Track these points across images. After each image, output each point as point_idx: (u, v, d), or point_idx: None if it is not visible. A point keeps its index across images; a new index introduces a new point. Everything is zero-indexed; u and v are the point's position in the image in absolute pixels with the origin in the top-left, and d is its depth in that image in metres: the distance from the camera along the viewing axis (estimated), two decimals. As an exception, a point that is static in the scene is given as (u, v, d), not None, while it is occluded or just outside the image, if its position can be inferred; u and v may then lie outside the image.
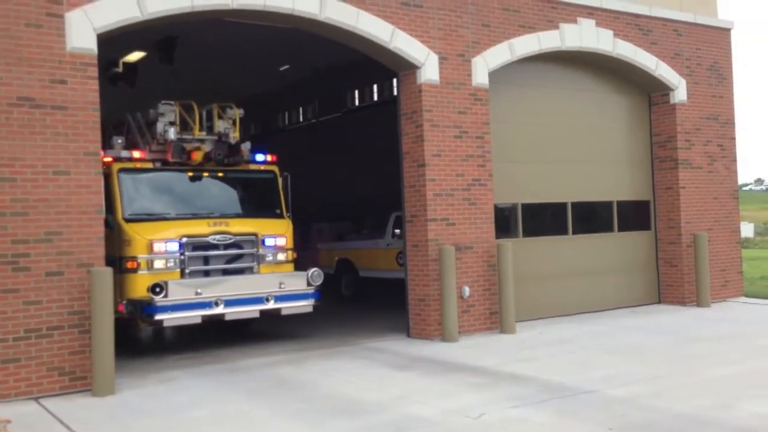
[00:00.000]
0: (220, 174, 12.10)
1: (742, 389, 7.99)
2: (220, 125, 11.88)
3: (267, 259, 11.72)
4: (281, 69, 18.45)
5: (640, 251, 15.09)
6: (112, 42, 9.48)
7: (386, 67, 12.12)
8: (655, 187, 15.26)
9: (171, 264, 10.89)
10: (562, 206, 14.03)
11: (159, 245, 10.84)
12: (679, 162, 14.87)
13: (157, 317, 10.22)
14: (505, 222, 13.17)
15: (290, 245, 12.04)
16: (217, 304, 10.54)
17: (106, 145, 11.74)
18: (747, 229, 44.27)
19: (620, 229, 14.84)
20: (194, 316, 10.46)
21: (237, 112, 12.09)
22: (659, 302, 15.15)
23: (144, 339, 11.86)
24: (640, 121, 15.24)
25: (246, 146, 12.17)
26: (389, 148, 13.22)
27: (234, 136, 11.89)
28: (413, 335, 11.87)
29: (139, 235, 10.82)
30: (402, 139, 12.01)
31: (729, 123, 15.72)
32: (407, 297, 11.99)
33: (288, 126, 24.76)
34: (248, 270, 11.53)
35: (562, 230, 14.02)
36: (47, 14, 8.68)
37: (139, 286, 10.57)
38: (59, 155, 8.69)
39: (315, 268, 11.58)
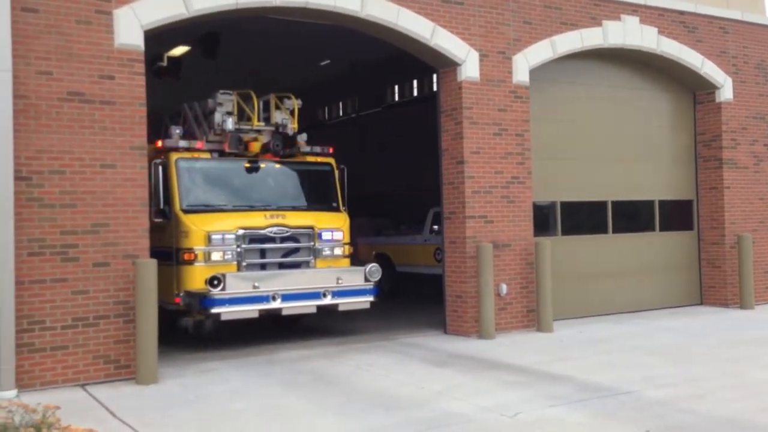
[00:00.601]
0: (277, 165, 11.94)
1: (787, 394, 7.88)
2: (277, 116, 11.75)
3: (324, 253, 11.55)
4: (322, 64, 18.59)
5: (682, 251, 14.90)
6: (157, 37, 9.66)
7: (426, 63, 12.15)
8: (698, 186, 15.04)
9: (228, 256, 10.80)
10: (603, 205, 13.91)
11: (217, 237, 10.74)
12: (723, 161, 14.64)
13: (214, 310, 10.11)
14: (543, 220, 13.11)
15: (347, 239, 11.85)
16: (274, 298, 10.39)
17: (164, 135, 11.89)
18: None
19: (662, 229, 14.67)
20: (251, 310, 10.34)
21: (296, 103, 11.92)
22: (701, 304, 14.95)
23: (185, 329, 12.05)
24: (684, 119, 15.03)
25: (302, 138, 11.99)
26: (429, 145, 13.26)
27: (292, 127, 11.76)
28: (450, 332, 11.91)
29: (196, 226, 10.73)
30: (441, 136, 12.03)
31: (776, 122, 15.42)
32: (444, 293, 12.03)
33: (327, 121, 24.92)
34: (304, 264, 11.41)
35: (602, 229, 13.91)
36: (96, 11, 8.89)
37: (196, 278, 10.54)
38: (106, 149, 8.91)
39: (373, 264, 11.34)
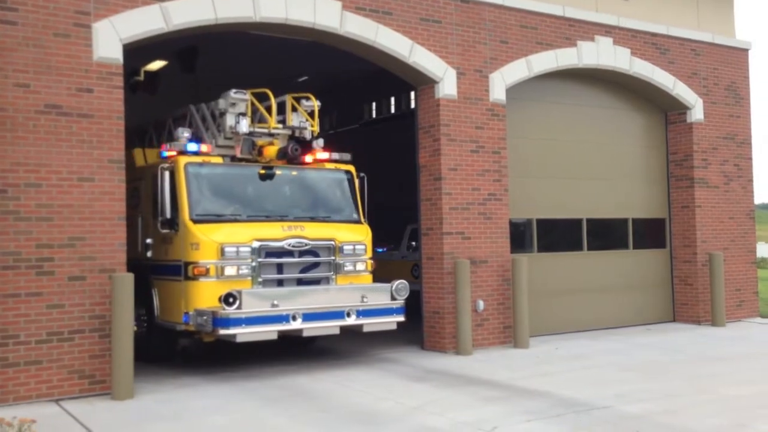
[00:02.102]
0: (294, 172, 10.97)
1: (758, 409, 8.01)
2: (294, 118, 10.93)
3: (345, 268, 10.63)
4: (299, 80, 18.65)
5: (655, 269, 15.10)
6: (134, 51, 9.65)
7: (404, 80, 12.26)
8: (671, 205, 15.28)
9: (243, 271, 9.86)
10: (578, 222, 14.07)
11: (230, 250, 9.79)
12: (695, 181, 14.90)
13: (229, 331, 9.17)
14: (520, 237, 13.23)
15: (370, 254, 11.00)
16: (294, 318, 9.54)
17: (168, 138, 11.39)
18: (765, 250, 43.92)
19: (635, 247, 14.87)
20: (270, 331, 9.46)
21: (316, 104, 11.07)
22: (674, 320, 15.13)
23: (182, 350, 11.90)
24: (657, 139, 15.29)
25: (319, 143, 11.18)
26: (406, 161, 13.33)
27: (312, 130, 11.01)
28: (427, 347, 11.93)
29: (208, 237, 9.79)
30: (419, 153, 12.13)
31: (746, 143, 15.74)
32: (422, 309, 12.06)
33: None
34: (324, 280, 10.49)
35: (577, 246, 14.06)
36: (75, 24, 8.88)
37: (206, 295, 9.63)
38: (84, 162, 8.86)
39: (400, 281, 10.52)
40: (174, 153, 10.32)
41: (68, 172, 8.76)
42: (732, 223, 15.38)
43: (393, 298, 10.37)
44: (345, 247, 10.66)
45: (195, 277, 9.73)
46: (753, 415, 7.70)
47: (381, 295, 10.33)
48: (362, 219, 11.28)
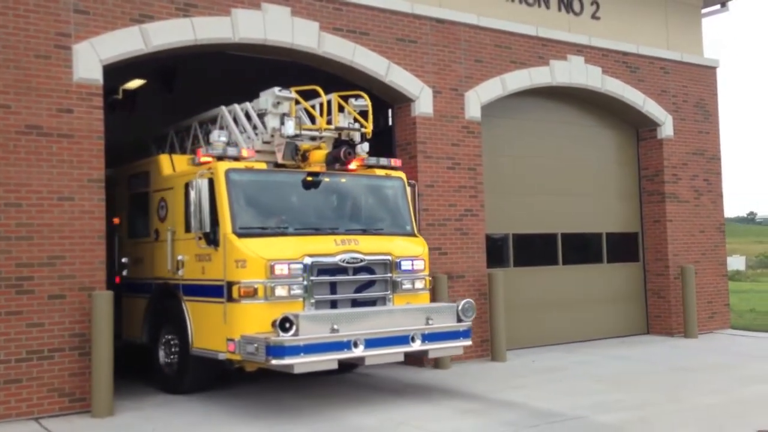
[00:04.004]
0: (343, 180, 9.91)
1: (728, 417, 8.23)
2: (341, 120, 9.82)
3: (403, 286, 9.60)
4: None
5: (629, 282, 15.37)
6: (113, 70, 9.73)
7: (381, 99, 12.47)
8: (643, 219, 15.59)
9: (295, 291, 8.74)
10: (553, 237, 14.32)
11: (281, 267, 8.66)
12: (666, 195, 15.22)
13: (285, 361, 7.98)
14: (497, 252, 13.43)
15: (428, 270, 10.03)
16: (356, 344, 8.40)
17: (194, 143, 10.93)
18: (738, 262, 44.61)
19: (609, 261, 15.14)
20: (330, 360, 8.32)
21: (370, 103, 10.00)
22: (648, 333, 15.40)
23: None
24: (629, 154, 15.62)
25: (364, 148, 9.95)
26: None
27: (366, 131, 9.90)
28: (407, 362, 12.03)
29: (255, 254, 8.64)
30: (396, 170, 12.27)
31: (715, 158, 16.12)
32: (400, 324, 12.10)
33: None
34: (380, 300, 9.43)
35: (552, 260, 14.30)
36: (56, 46, 8.98)
37: (253, 319, 8.52)
38: (64, 182, 8.93)
39: (467, 300, 9.52)
40: (210, 159, 9.18)
41: (48, 191, 8.83)
42: (703, 237, 15.71)
43: (459, 320, 9.35)
44: (402, 263, 9.62)
45: (240, 299, 8.59)
46: (723, 423, 7.93)
47: (447, 317, 9.27)
48: (416, 231, 10.32)
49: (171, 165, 10.55)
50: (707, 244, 15.77)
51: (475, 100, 12.59)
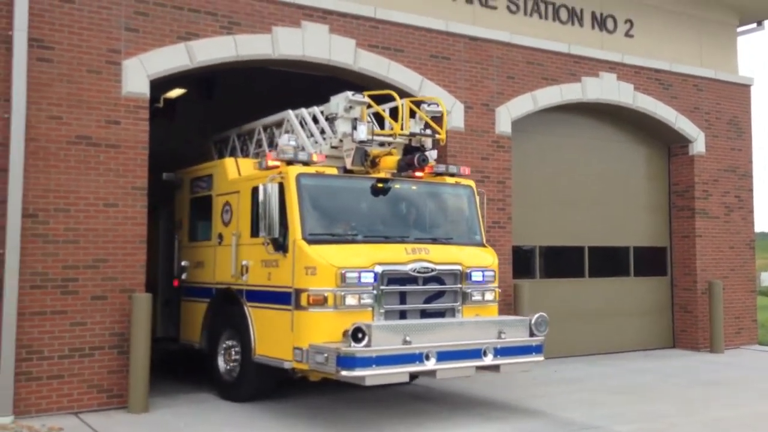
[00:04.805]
0: (413, 187, 9.73)
1: (746, 430, 8.44)
2: (412, 125, 9.57)
3: (473, 298, 9.37)
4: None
5: (656, 296, 15.51)
6: (158, 82, 10.14)
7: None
8: (672, 234, 15.70)
9: (366, 301, 8.55)
10: (580, 250, 14.53)
11: (352, 275, 8.47)
12: (696, 211, 15.32)
13: (356, 372, 7.77)
14: (524, 263, 13.69)
15: (497, 282, 9.84)
16: (428, 357, 8.19)
17: (258, 147, 10.95)
18: (768, 278, 43.77)
19: (636, 274, 15.29)
20: (401, 372, 8.11)
21: (444, 108, 9.84)
22: (673, 347, 15.51)
23: (171, 358, 12.21)
24: (659, 170, 15.75)
25: (433, 155, 9.57)
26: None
27: (440, 138, 9.63)
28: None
29: (326, 261, 8.47)
30: (427, 182, 12.58)
31: (747, 175, 16.15)
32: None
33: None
34: (450, 312, 9.22)
35: (579, 273, 14.51)
36: (107, 62, 9.52)
37: (322, 328, 8.35)
38: (110, 189, 9.46)
39: (540, 314, 9.27)
40: (279, 163, 9.06)
41: (95, 198, 9.36)
42: (732, 253, 15.77)
43: (531, 334, 9.08)
44: (473, 274, 9.39)
45: (308, 307, 8.41)
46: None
47: (519, 330, 9.03)
48: (484, 241, 10.18)
49: (237, 169, 10.39)
50: (736, 260, 15.83)
51: (506, 115, 12.88)
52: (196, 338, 10.58)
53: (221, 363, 10.01)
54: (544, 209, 13.97)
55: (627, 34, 14.58)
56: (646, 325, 15.28)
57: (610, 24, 14.37)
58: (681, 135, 15.26)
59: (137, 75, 9.68)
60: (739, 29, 16.38)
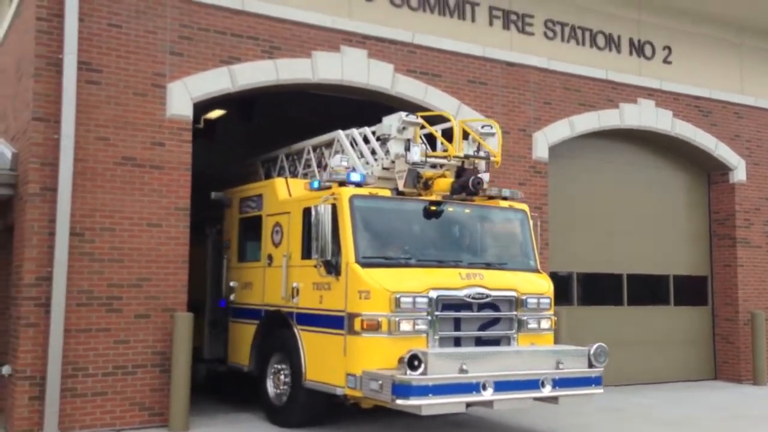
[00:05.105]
0: (467, 210, 9.54)
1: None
2: (465, 147, 9.41)
3: (529, 326, 9.07)
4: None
5: (697, 326, 15.24)
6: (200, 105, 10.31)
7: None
8: (713, 263, 15.47)
9: (420, 327, 8.30)
10: (618, 277, 14.37)
11: (406, 300, 8.24)
12: (737, 240, 15.09)
13: (411, 402, 7.55)
14: (561, 290, 13.52)
15: (553, 309, 9.52)
16: (484, 387, 7.92)
17: (307, 167, 10.88)
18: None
19: (676, 303, 15.07)
20: (458, 402, 7.89)
21: (499, 131, 9.71)
22: (715, 378, 15.19)
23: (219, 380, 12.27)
24: (699, 197, 15.58)
25: (486, 177, 9.50)
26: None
27: (495, 160, 9.53)
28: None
29: (380, 285, 8.26)
30: (464, 207, 12.60)
31: (789, 204, 15.91)
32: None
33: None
34: (504, 340, 8.94)
35: (617, 301, 14.34)
36: (152, 85, 9.78)
37: (376, 355, 8.12)
38: (153, 209, 9.65)
39: (599, 344, 8.95)
40: (330, 185, 8.95)
41: (139, 218, 9.55)
42: (775, 283, 15.49)
43: (590, 365, 8.82)
44: (529, 301, 9.11)
45: (361, 332, 8.19)
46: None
47: (578, 361, 8.75)
48: (539, 267, 9.95)
49: (287, 189, 10.21)
50: (779, 290, 15.53)
51: (543, 140, 12.89)
52: (244, 360, 10.33)
53: (270, 387, 9.78)
54: (582, 235, 13.88)
55: (665, 61, 14.56)
56: (687, 356, 15.00)
57: (648, 50, 14.36)
58: (721, 162, 15.11)
59: (181, 98, 9.91)
60: (780, 56, 16.25)
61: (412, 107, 11.94)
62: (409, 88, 11.70)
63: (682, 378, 14.76)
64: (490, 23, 12.68)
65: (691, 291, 15.33)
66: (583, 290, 13.89)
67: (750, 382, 14.66)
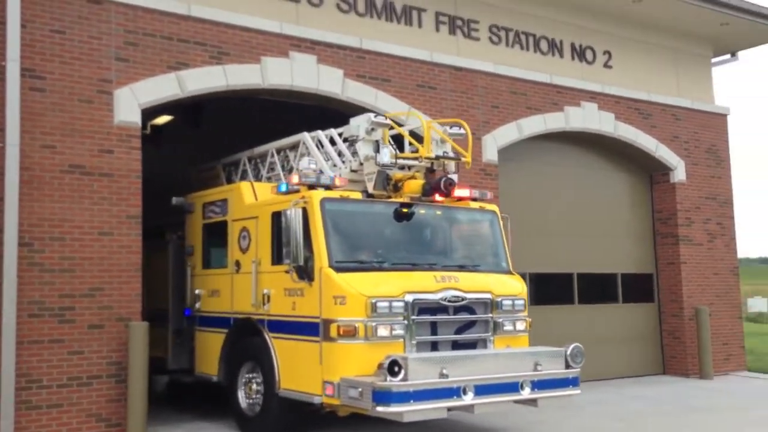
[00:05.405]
0: (438, 212, 9.41)
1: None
2: (434, 148, 9.27)
3: (504, 328, 9.02)
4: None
5: (644, 322, 15.62)
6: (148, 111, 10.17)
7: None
8: (657, 261, 15.90)
9: (397, 332, 8.17)
10: (569, 277, 14.65)
11: (383, 305, 8.11)
12: (680, 238, 15.55)
13: (392, 408, 7.44)
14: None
15: (527, 311, 9.47)
16: (465, 391, 7.84)
17: (274, 171, 10.66)
18: (761, 304, 44.07)
19: (624, 301, 15.42)
20: (440, 408, 7.76)
21: (469, 131, 9.48)
22: (663, 373, 15.57)
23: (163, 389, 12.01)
24: (642, 197, 16.02)
25: (455, 178, 9.36)
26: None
27: (466, 161, 9.30)
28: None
29: (356, 290, 8.11)
30: (416, 211, 12.70)
31: (728, 203, 16.46)
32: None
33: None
34: (481, 342, 8.84)
35: (568, 300, 14.61)
36: (98, 91, 9.62)
37: (353, 361, 7.99)
38: (104, 218, 9.47)
39: (575, 344, 8.94)
40: (298, 188, 8.77)
41: (89, 227, 9.36)
42: (716, 279, 15.97)
43: (567, 366, 8.82)
44: (504, 302, 9.06)
45: (338, 338, 8.01)
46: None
47: (555, 362, 8.72)
48: (511, 268, 9.90)
49: (253, 193, 10.01)
50: (721, 286, 16.01)
51: (492, 143, 13.11)
52: (212, 370, 10.03)
53: (242, 397, 9.49)
54: (533, 236, 14.09)
55: (606, 65, 14.98)
56: (636, 352, 15.35)
57: (589, 55, 14.77)
58: (662, 163, 15.58)
59: (129, 104, 9.78)
60: (714, 60, 16.88)
61: (362, 112, 11.97)
62: (358, 92, 11.77)
63: (632, 374, 15.08)
64: (437, 29, 12.88)
65: (638, 288, 15.72)
66: (536, 290, 14.08)
67: (697, 376, 15.05)
